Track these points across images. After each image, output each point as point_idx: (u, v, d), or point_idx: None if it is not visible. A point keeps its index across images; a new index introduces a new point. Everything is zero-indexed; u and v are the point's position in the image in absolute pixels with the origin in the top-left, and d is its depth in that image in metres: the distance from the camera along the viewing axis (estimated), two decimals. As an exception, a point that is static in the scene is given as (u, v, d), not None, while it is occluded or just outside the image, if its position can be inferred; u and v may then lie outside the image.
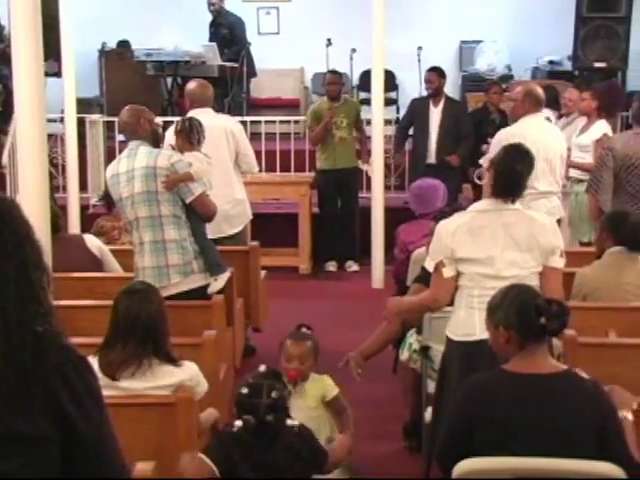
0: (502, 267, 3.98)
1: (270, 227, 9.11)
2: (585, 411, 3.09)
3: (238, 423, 3.30)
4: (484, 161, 6.61)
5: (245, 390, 3.29)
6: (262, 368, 3.42)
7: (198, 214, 5.23)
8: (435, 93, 9.21)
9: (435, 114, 9.24)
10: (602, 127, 7.66)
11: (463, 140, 9.15)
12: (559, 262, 4.07)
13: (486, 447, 3.05)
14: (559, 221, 6.62)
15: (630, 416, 3.27)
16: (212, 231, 5.60)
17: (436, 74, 9.22)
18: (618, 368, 4.11)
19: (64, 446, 2.07)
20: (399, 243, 6.24)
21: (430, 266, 4.12)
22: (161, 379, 3.85)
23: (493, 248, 4.00)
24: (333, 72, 9.51)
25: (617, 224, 5.03)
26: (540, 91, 6.57)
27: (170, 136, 5.93)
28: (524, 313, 3.16)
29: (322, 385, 4.27)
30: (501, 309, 3.24)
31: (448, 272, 4.05)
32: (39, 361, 2.04)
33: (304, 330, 4.27)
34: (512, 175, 4.09)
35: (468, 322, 3.99)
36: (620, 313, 4.69)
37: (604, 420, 3.09)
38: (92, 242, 5.89)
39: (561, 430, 3.06)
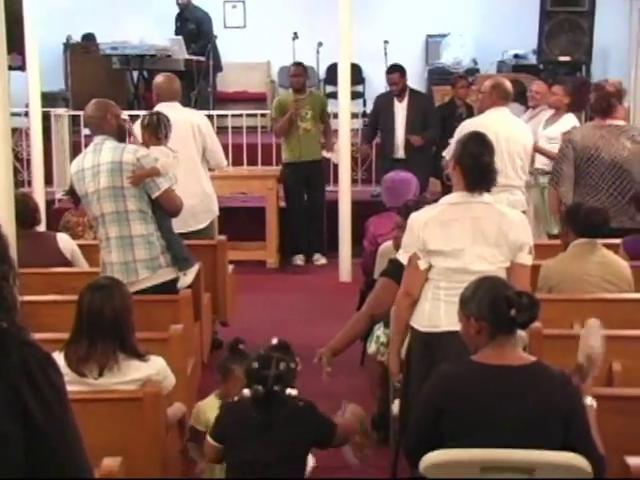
0: (470, 261, 4.00)
1: (237, 221, 9.09)
2: (553, 402, 3.11)
3: (246, 392, 3.44)
4: (447, 153, 6.65)
5: (256, 363, 3.44)
6: (274, 341, 3.56)
7: (164, 209, 5.21)
8: (399, 93, 9.25)
9: (400, 109, 9.26)
10: (571, 120, 7.70)
11: (430, 128, 9.19)
12: (527, 259, 4.08)
13: (454, 438, 3.07)
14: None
15: (594, 403, 3.30)
16: (178, 226, 5.57)
17: (398, 74, 9.23)
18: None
19: (25, 442, 2.06)
20: (368, 235, 6.24)
21: (404, 259, 4.14)
22: (128, 374, 3.83)
23: (462, 241, 4.02)
24: (297, 64, 9.49)
25: (572, 216, 5.12)
26: (508, 85, 6.60)
27: (137, 130, 5.90)
28: (495, 305, 3.19)
29: None
30: (473, 301, 3.26)
31: (423, 264, 4.08)
32: (2, 357, 2.02)
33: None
34: (479, 167, 4.11)
35: (434, 314, 4.02)
36: (584, 305, 4.73)
37: (571, 411, 3.11)
38: (64, 243, 5.84)
39: (529, 421, 3.08)
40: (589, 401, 3.30)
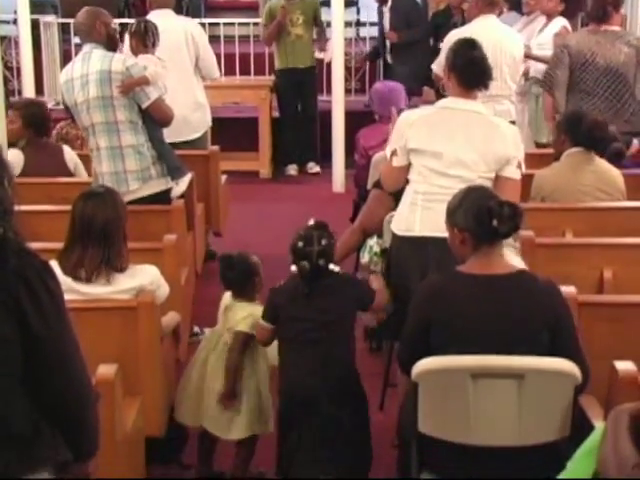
0: (449, 164, 4.00)
1: (230, 131, 9.04)
2: (539, 309, 3.13)
3: (293, 269, 3.71)
4: (436, 66, 6.59)
5: (300, 241, 3.70)
6: (311, 221, 3.84)
7: (155, 119, 5.16)
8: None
9: (386, 13, 9.18)
10: (560, 21, 7.62)
11: (411, 28, 9.08)
12: (514, 173, 4.07)
13: (442, 347, 3.10)
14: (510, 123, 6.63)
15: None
16: (170, 135, 5.52)
17: None
18: (574, 267, 4.19)
19: (23, 347, 2.08)
20: (359, 148, 6.21)
21: (387, 155, 4.20)
22: (122, 283, 3.85)
23: (445, 144, 4.02)
24: None
25: (574, 125, 5.06)
26: None
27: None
28: (477, 216, 3.19)
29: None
30: (458, 211, 3.26)
31: (398, 161, 4.11)
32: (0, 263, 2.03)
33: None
34: (473, 64, 4.10)
35: (409, 218, 4.06)
36: (577, 214, 4.75)
37: (557, 319, 3.14)
38: (70, 156, 5.84)
39: (515, 328, 3.10)
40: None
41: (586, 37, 6.35)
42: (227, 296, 4.14)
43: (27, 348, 2.11)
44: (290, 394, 3.66)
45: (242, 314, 3.95)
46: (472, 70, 4.11)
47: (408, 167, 4.12)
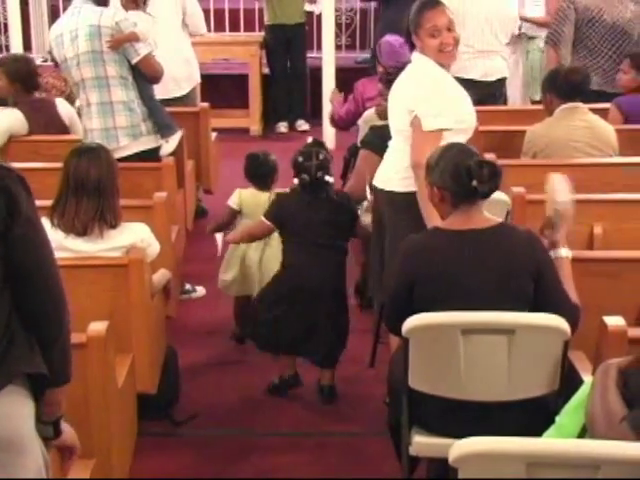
0: None
1: (220, 88, 8.99)
2: (520, 259, 3.13)
3: (295, 181, 4.32)
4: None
5: (300, 157, 4.31)
6: (309, 140, 4.56)
7: (145, 75, 5.13)
8: None
9: None
10: None
11: None
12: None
13: (427, 304, 3.10)
14: (501, 80, 6.58)
15: (569, 254, 3.35)
16: (160, 92, 5.48)
17: None
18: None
19: (5, 249, 2.21)
20: (356, 95, 6.08)
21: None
22: (114, 240, 3.85)
23: None
24: None
25: (552, 80, 5.04)
26: None
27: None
28: (456, 175, 3.17)
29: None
30: (436, 169, 3.24)
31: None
32: None
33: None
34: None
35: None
36: (568, 169, 4.69)
37: (539, 268, 3.14)
38: (63, 106, 5.78)
39: (497, 280, 3.11)
40: (564, 252, 3.34)
41: None
42: (245, 193, 4.87)
43: (9, 250, 2.21)
44: (297, 283, 4.25)
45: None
46: None
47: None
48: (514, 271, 3.12)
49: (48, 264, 2.31)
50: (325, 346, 4.32)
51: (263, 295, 4.42)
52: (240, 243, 4.69)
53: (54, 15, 8.54)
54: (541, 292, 3.13)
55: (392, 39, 6.44)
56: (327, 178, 4.27)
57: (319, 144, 4.47)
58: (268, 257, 4.73)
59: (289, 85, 9.25)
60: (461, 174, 3.15)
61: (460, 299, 3.07)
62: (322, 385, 4.40)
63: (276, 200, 4.42)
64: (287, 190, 4.48)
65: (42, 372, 2.29)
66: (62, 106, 5.78)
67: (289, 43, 9.11)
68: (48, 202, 3.85)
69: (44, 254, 2.30)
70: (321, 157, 4.29)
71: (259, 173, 4.87)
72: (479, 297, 3.08)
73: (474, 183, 3.14)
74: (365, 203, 5.02)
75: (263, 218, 4.36)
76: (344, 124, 5.95)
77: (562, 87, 4.97)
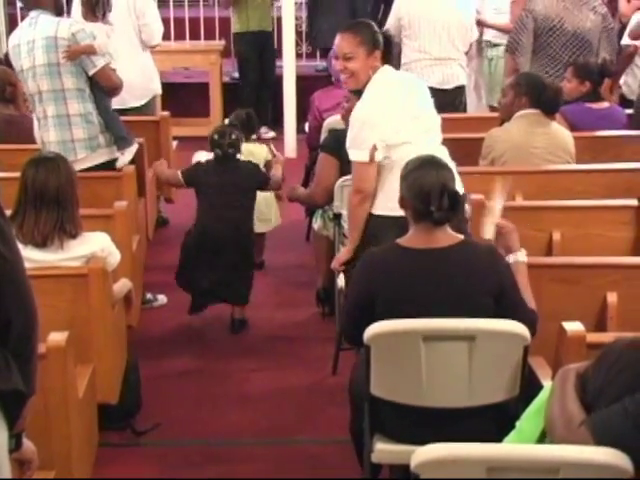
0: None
1: (180, 96, 8.96)
2: (481, 277, 3.14)
3: (210, 155, 5.07)
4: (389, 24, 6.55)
5: (216, 135, 5.01)
6: (226, 121, 5.59)
7: (102, 87, 5.09)
8: None
9: None
10: None
11: None
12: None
13: (385, 318, 3.08)
14: (460, 88, 6.63)
15: (525, 258, 3.37)
16: (117, 102, 5.45)
17: None
18: (524, 231, 4.18)
19: None
20: (313, 110, 6.17)
21: None
22: (74, 250, 3.83)
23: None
24: None
25: (539, 91, 5.00)
26: None
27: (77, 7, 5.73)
28: (417, 196, 3.18)
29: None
30: (405, 182, 3.25)
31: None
32: None
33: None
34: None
35: None
36: (527, 177, 4.77)
37: (501, 286, 3.15)
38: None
39: (458, 298, 3.11)
40: (520, 257, 3.36)
41: (554, 2, 6.31)
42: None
43: None
44: (202, 240, 4.94)
45: (259, 150, 5.61)
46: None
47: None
48: (474, 289, 3.13)
49: (23, 286, 2.27)
50: (234, 292, 5.06)
51: (182, 246, 5.08)
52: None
53: (12, 23, 8.46)
54: (502, 305, 3.14)
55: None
56: (238, 156, 5.01)
57: (233, 125, 5.32)
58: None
59: (258, 92, 9.21)
60: (422, 197, 3.16)
61: (417, 316, 3.06)
62: (234, 318, 5.15)
63: (194, 165, 5.16)
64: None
65: (19, 389, 2.24)
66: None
67: (260, 50, 9.09)
68: (7, 212, 3.81)
69: (19, 274, 2.27)
70: (233, 137, 4.99)
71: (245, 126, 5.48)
72: (437, 314, 3.07)
73: (432, 208, 3.15)
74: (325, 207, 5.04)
75: (179, 173, 5.07)
76: (316, 142, 5.93)
77: (546, 102, 4.99)
